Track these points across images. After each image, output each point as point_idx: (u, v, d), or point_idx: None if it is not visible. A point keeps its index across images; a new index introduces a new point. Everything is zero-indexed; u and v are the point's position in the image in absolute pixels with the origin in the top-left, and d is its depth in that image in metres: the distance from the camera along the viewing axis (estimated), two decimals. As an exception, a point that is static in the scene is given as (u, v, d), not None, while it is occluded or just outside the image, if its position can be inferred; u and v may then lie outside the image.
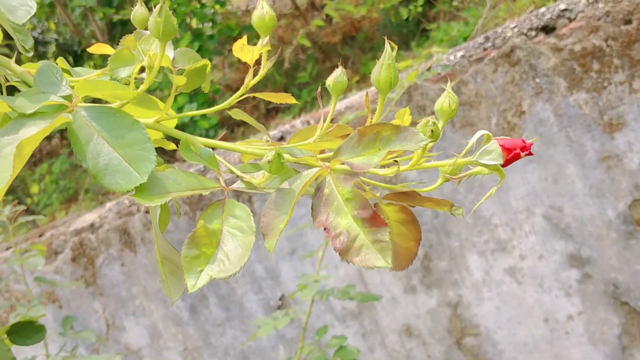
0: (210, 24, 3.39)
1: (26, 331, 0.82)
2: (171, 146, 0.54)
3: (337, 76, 0.50)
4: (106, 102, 0.53)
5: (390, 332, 2.06)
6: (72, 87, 0.44)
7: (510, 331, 1.93)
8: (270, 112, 4.40)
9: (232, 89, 5.06)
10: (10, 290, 2.48)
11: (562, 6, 1.77)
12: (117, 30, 3.98)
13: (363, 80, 4.37)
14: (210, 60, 3.51)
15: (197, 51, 3.33)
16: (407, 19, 4.04)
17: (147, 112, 0.54)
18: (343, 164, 0.41)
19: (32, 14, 0.46)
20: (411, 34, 4.20)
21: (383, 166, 0.48)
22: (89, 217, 2.48)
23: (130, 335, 2.39)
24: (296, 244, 2.08)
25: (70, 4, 3.56)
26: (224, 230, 0.40)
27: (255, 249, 2.10)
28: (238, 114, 0.52)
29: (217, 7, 3.45)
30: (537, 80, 1.76)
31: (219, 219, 0.41)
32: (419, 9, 3.83)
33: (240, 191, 0.45)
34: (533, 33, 1.78)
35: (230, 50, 5.07)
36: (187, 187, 0.41)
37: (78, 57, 4.46)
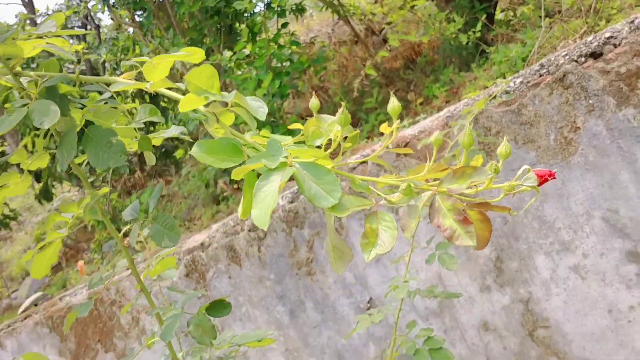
0: (288, 63, 3.76)
1: (219, 307, 1.16)
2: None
3: (394, 105, 0.79)
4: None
5: (469, 327, 2.32)
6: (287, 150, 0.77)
7: (578, 322, 2.16)
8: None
9: (303, 116, 5.41)
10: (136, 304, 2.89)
11: (608, 34, 2.02)
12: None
13: (426, 102, 4.64)
14: (287, 95, 3.87)
15: (278, 88, 3.70)
16: (466, 43, 4.29)
17: (329, 161, 0.87)
18: (445, 189, 0.71)
19: (266, 112, 0.78)
20: (470, 56, 4.45)
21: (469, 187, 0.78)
22: (199, 237, 2.87)
23: (238, 339, 2.74)
24: (381, 252, 2.38)
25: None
26: (380, 228, 0.71)
27: (345, 258, 2.42)
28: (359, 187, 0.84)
29: (294, 47, 3.83)
30: (589, 100, 2.01)
31: (375, 222, 0.72)
32: (478, 34, 4.08)
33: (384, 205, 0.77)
34: (583, 59, 2.03)
35: (303, 81, 5.45)
36: (357, 204, 0.73)
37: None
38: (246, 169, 0.73)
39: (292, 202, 2.58)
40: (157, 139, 1.13)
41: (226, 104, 0.82)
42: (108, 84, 0.93)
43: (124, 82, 0.87)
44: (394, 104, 0.81)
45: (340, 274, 0.69)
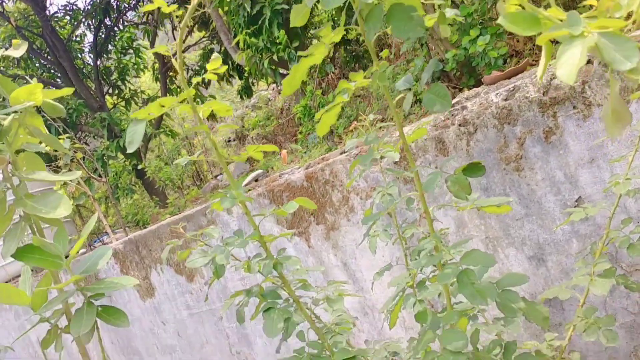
0: None
1: (474, 169, 1.35)
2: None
3: None
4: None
5: (684, 234, 2.30)
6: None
7: None
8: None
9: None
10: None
11: None
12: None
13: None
14: None
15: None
16: None
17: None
18: None
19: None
20: None
21: None
22: (406, 129, 3.07)
23: (439, 222, 2.97)
24: (596, 153, 2.40)
25: None
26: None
27: (557, 157, 2.47)
28: None
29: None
30: None
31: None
32: None
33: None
34: None
35: None
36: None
37: None
38: (549, 36, 0.87)
39: (506, 99, 2.66)
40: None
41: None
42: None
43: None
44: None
45: (614, 136, 0.82)
